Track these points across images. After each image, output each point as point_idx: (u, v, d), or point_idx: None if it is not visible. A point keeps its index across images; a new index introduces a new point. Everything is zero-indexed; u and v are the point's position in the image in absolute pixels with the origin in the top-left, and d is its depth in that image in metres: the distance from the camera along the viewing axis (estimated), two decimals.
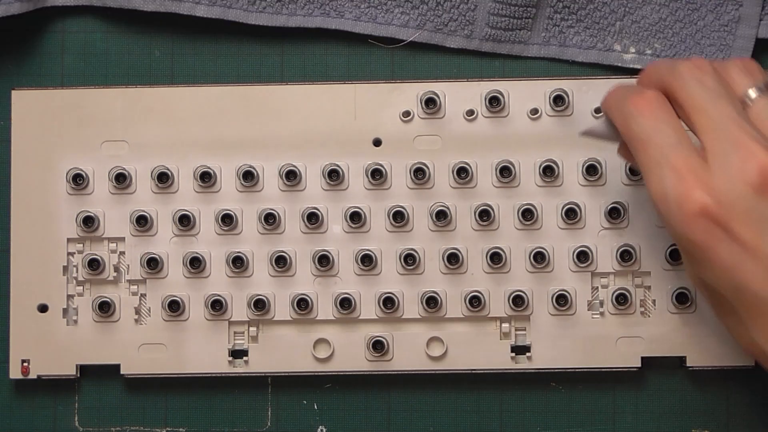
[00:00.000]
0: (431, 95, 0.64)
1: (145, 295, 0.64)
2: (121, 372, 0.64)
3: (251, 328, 0.64)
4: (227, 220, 0.63)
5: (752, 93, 0.53)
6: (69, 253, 0.64)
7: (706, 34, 0.64)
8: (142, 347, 0.64)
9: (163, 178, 0.64)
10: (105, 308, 0.64)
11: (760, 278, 0.50)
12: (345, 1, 0.64)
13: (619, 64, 0.64)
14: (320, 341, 0.64)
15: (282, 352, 0.64)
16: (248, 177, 0.63)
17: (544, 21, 0.64)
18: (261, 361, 0.64)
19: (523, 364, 0.64)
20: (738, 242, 0.50)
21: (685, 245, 0.52)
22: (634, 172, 0.63)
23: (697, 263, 0.52)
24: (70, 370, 0.64)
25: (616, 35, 0.64)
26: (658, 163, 0.52)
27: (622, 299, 0.63)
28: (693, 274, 0.55)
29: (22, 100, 0.64)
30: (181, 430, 0.65)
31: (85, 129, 0.64)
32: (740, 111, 0.52)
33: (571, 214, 0.63)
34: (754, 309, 0.51)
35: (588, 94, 0.64)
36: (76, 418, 0.65)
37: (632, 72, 0.64)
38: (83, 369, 0.64)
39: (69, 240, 0.64)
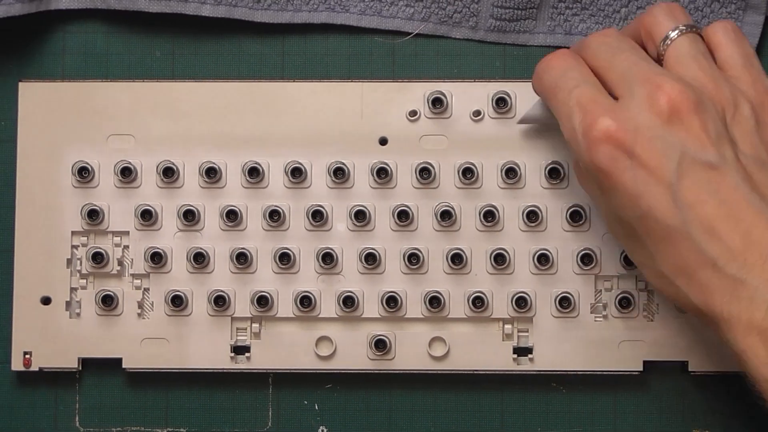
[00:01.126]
0: (438, 95, 0.64)
1: (149, 289, 0.64)
2: (123, 366, 0.64)
3: (254, 325, 0.64)
4: (232, 216, 0.63)
5: (673, 33, 0.54)
6: (73, 246, 0.64)
7: (712, 21, 0.64)
8: (145, 341, 0.64)
9: (169, 173, 0.64)
10: (108, 302, 0.64)
11: (663, 204, 0.51)
12: None
13: None
14: (322, 339, 0.64)
15: (284, 349, 0.64)
16: (254, 173, 0.63)
17: (548, 10, 0.64)
18: (263, 358, 0.64)
19: (525, 365, 0.63)
20: (642, 167, 0.51)
21: (594, 174, 0.53)
22: None
23: (605, 194, 0.53)
24: (72, 363, 0.64)
25: (621, 22, 0.64)
26: (566, 103, 0.54)
27: (625, 302, 0.63)
28: (606, 211, 0.55)
29: (29, 93, 0.64)
30: (181, 429, 0.65)
31: (91, 122, 0.64)
32: (646, 57, 0.54)
33: (576, 216, 0.63)
34: (657, 236, 0.51)
35: None
36: (77, 418, 0.65)
37: None
38: (85, 362, 0.64)
39: (73, 233, 0.64)
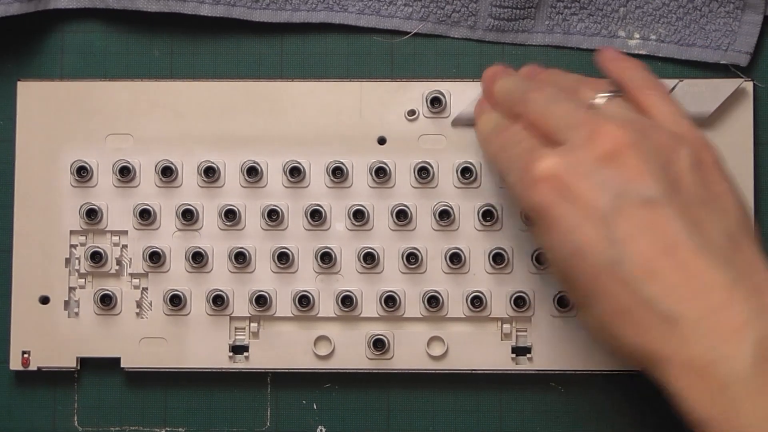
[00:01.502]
0: (437, 94, 0.64)
1: (147, 288, 0.64)
2: (122, 365, 0.64)
3: (252, 324, 0.64)
4: (230, 215, 0.63)
5: (599, 99, 0.55)
6: (71, 246, 0.64)
7: (711, 20, 0.64)
8: (143, 341, 0.64)
9: (167, 172, 0.64)
10: (106, 301, 0.64)
11: (597, 239, 0.50)
12: None
13: (624, 50, 0.64)
14: (321, 338, 0.64)
15: (283, 348, 0.64)
16: (252, 173, 0.63)
17: (547, 9, 0.64)
18: (261, 357, 0.64)
19: (523, 365, 0.64)
20: (577, 202, 0.51)
21: (533, 213, 0.53)
22: None
23: (544, 235, 0.52)
24: (71, 363, 0.64)
25: (620, 21, 0.64)
26: (512, 156, 0.54)
27: None
28: (548, 255, 0.54)
29: (28, 93, 0.64)
30: (180, 429, 0.65)
31: (89, 122, 0.64)
32: (583, 104, 0.54)
33: None
34: (591, 274, 0.51)
35: None
36: (76, 418, 0.65)
37: (637, 58, 0.64)
38: (83, 362, 0.64)
39: (72, 232, 0.64)
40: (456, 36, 0.65)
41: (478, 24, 0.64)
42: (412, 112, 0.64)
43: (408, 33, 0.65)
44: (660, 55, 0.64)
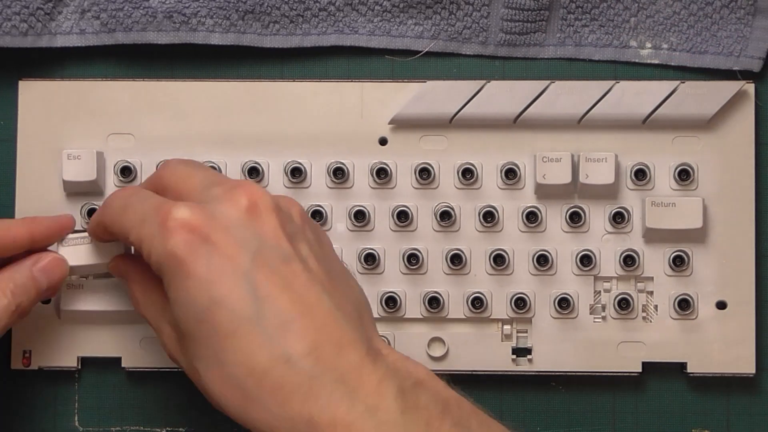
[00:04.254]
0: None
1: None
2: (123, 365, 0.64)
3: None
4: None
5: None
6: None
7: (723, 26, 0.64)
8: (144, 341, 0.64)
9: None
10: None
11: (237, 293, 0.49)
12: (358, 17, 0.64)
13: (636, 60, 0.64)
14: None
15: None
16: (253, 173, 0.63)
17: (558, 22, 0.64)
18: None
19: (523, 366, 0.64)
20: (219, 254, 0.49)
21: (167, 263, 0.50)
22: (638, 177, 0.63)
23: (175, 282, 0.50)
24: (72, 362, 0.64)
25: (631, 31, 0.64)
26: (140, 211, 0.52)
27: (624, 304, 0.63)
28: (170, 311, 0.51)
29: (29, 92, 0.64)
30: (181, 429, 0.65)
31: (91, 121, 0.64)
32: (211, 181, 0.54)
33: (575, 217, 0.63)
34: (226, 329, 0.49)
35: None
36: (76, 417, 0.65)
37: (649, 67, 0.65)
38: (84, 361, 0.64)
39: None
40: (468, 53, 0.65)
41: (489, 39, 0.64)
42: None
43: (419, 52, 0.65)
44: (672, 63, 0.64)
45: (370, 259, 0.63)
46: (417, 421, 0.48)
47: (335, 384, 0.48)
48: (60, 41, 0.64)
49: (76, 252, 0.59)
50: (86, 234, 0.58)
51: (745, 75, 0.64)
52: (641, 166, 0.63)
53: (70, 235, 0.59)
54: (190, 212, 0.50)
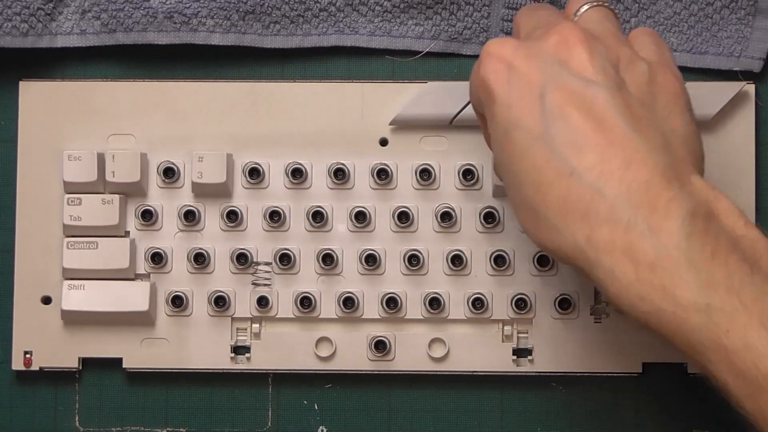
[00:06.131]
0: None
1: None
2: (123, 366, 0.64)
3: (254, 325, 0.64)
4: (232, 216, 0.63)
5: (585, 7, 0.55)
6: None
7: (723, 27, 0.64)
8: (145, 341, 0.64)
9: (169, 173, 0.64)
10: None
11: (530, 113, 0.50)
12: (358, 17, 0.64)
13: None
14: (322, 339, 0.64)
15: (284, 349, 0.64)
16: (254, 174, 0.63)
17: None
18: (263, 358, 0.64)
19: (524, 367, 0.64)
20: (519, 77, 0.50)
21: (480, 90, 0.52)
22: None
23: (488, 109, 0.52)
24: (73, 363, 0.64)
25: (631, 31, 0.64)
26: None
27: None
28: (493, 145, 0.53)
29: (30, 92, 0.64)
30: (181, 429, 0.65)
31: (91, 122, 0.64)
32: (559, 14, 0.55)
33: None
34: (520, 149, 0.50)
35: None
36: (77, 418, 0.65)
37: None
38: (85, 362, 0.64)
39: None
40: (468, 53, 0.65)
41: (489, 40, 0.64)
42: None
43: (420, 52, 0.65)
44: None
45: (371, 260, 0.63)
46: (702, 248, 0.46)
47: (618, 199, 0.47)
48: (60, 42, 0.64)
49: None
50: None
51: (745, 75, 0.64)
52: None
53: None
54: (501, 43, 0.52)
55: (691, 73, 0.64)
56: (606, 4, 0.55)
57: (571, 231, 0.48)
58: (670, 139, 0.50)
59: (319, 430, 0.65)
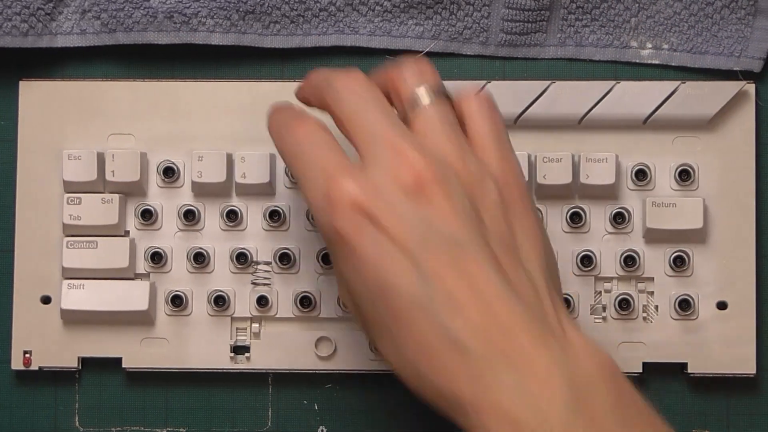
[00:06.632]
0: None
1: None
2: (123, 365, 0.64)
3: (254, 325, 0.64)
4: (232, 215, 0.63)
5: (422, 95, 0.52)
6: None
7: (723, 27, 0.64)
8: (144, 341, 0.64)
9: (169, 173, 0.64)
10: None
11: (406, 274, 0.48)
12: (358, 17, 0.64)
13: (637, 61, 0.65)
14: (323, 339, 0.64)
15: (284, 349, 0.64)
16: None
17: (558, 22, 0.64)
18: (263, 358, 0.64)
19: None
20: (386, 236, 0.49)
21: (334, 240, 0.50)
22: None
23: (346, 264, 0.50)
24: (72, 363, 0.64)
25: (631, 32, 0.64)
26: (310, 165, 0.51)
27: (624, 304, 0.63)
28: (348, 288, 0.51)
29: (30, 92, 0.64)
30: (181, 429, 0.65)
31: (91, 122, 0.64)
32: (392, 114, 0.51)
33: (575, 217, 0.63)
34: (398, 311, 0.48)
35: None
36: (77, 418, 0.65)
37: (650, 67, 0.65)
38: (85, 361, 0.64)
39: None
40: (468, 53, 0.65)
41: (490, 40, 0.64)
42: None
43: (420, 52, 0.65)
44: (673, 64, 0.64)
45: None
46: (582, 417, 0.46)
47: (501, 367, 0.47)
48: (60, 41, 0.64)
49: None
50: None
51: (745, 75, 0.64)
52: (642, 167, 0.63)
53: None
54: (358, 191, 0.49)
55: (690, 72, 0.64)
56: (443, 91, 0.53)
57: (456, 395, 0.48)
58: (535, 284, 0.50)
59: (319, 430, 0.65)
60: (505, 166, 0.52)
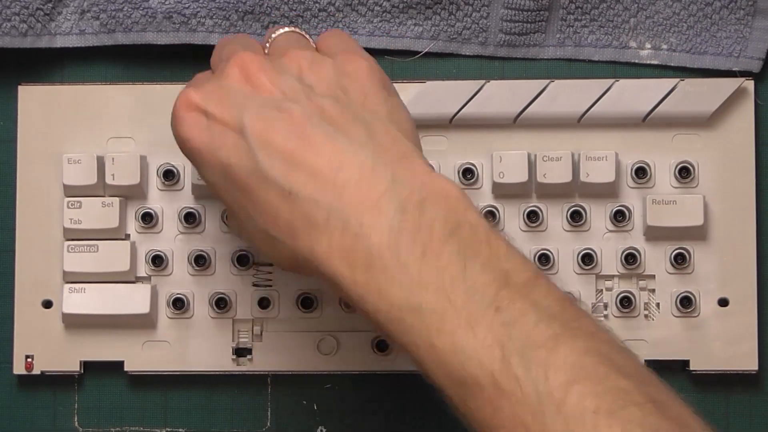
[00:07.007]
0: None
1: None
2: (125, 369, 0.64)
3: (255, 327, 0.64)
4: None
5: (279, 30, 0.56)
6: None
7: (722, 27, 0.64)
8: (146, 344, 0.64)
9: (169, 176, 0.64)
10: None
11: (238, 149, 0.50)
12: (357, 18, 0.64)
13: (636, 61, 0.65)
14: (324, 340, 0.64)
15: (286, 350, 0.64)
16: None
17: (557, 22, 0.64)
18: (264, 359, 0.64)
19: None
20: (216, 122, 0.51)
21: (184, 148, 0.53)
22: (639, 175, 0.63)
23: (199, 164, 0.53)
24: (74, 366, 0.64)
25: (630, 32, 0.64)
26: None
27: (626, 302, 0.63)
28: (212, 190, 0.54)
29: (29, 97, 0.64)
30: (180, 430, 0.65)
31: (91, 125, 0.64)
32: (252, 47, 0.55)
33: (576, 216, 0.63)
34: (241, 187, 0.50)
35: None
36: (76, 418, 0.65)
37: (649, 68, 0.65)
38: (86, 365, 0.64)
39: None
40: (467, 53, 0.65)
41: (489, 40, 0.64)
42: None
43: (419, 52, 0.65)
44: (672, 64, 0.64)
45: None
46: (413, 246, 0.47)
47: (332, 206, 0.48)
48: (59, 42, 0.64)
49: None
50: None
51: (744, 75, 0.64)
52: (641, 164, 0.63)
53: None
54: (192, 93, 0.52)
55: (689, 73, 0.65)
56: (297, 30, 0.56)
57: (300, 247, 0.49)
58: (373, 127, 0.51)
59: (319, 430, 0.65)
60: (344, 47, 0.55)
